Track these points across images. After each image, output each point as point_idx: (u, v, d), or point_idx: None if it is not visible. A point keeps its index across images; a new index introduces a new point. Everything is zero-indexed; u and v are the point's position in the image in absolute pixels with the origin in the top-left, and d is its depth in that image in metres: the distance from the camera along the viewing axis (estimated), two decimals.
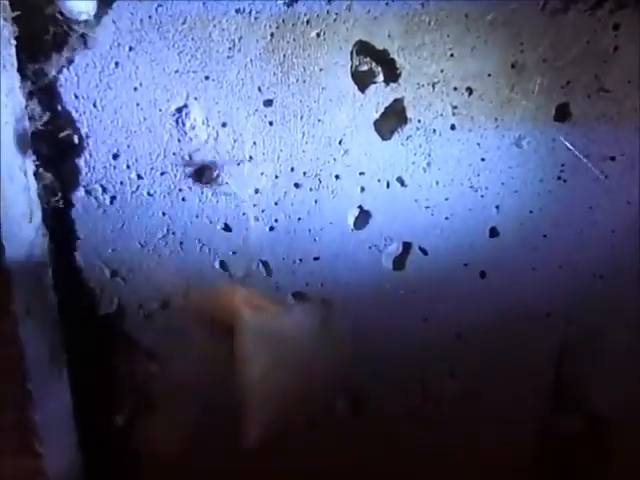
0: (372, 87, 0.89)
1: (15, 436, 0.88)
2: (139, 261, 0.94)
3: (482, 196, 0.96)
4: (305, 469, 1.11)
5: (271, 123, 0.89)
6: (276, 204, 0.93)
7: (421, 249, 0.98)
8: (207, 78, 0.86)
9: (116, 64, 0.84)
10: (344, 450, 1.10)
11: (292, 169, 0.91)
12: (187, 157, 0.88)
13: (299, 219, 0.94)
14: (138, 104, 0.86)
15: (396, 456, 1.12)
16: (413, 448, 1.11)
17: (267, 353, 0.84)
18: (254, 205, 0.92)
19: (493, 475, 1.13)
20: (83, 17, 0.81)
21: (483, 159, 0.94)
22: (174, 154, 0.89)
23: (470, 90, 0.90)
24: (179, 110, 0.87)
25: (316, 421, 1.07)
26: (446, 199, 0.95)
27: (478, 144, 0.93)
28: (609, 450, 1.14)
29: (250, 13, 0.84)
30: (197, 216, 0.92)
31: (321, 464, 1.11)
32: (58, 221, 0.90)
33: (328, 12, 0.85)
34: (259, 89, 0.87)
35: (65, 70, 0.84)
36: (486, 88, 0.90)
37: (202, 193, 0.91)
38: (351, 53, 0.87)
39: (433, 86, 0.89)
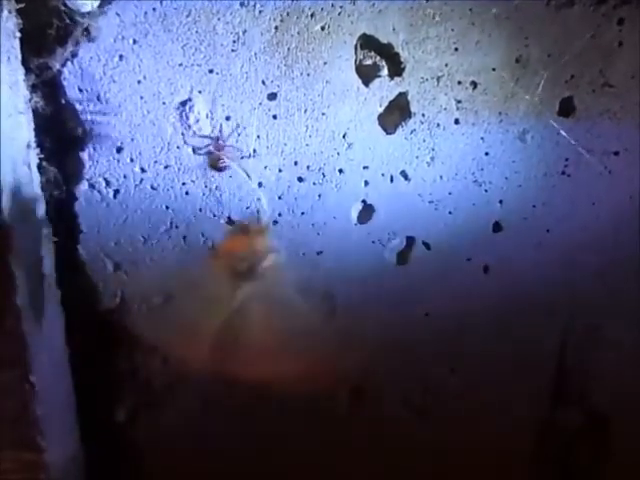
0: (376, 81, 0.89)
1: (17, 429, 0.87)
2: (142, 255, 0.94)
3: (486, 190, 0.96)
4: (303, 466, 1.11)
5: (275, 117, 0.89)
6: (280, 198, 0.93)
7: (424, 243, 0.98)
8: (211, 71, 0.86)
9: (120, 57, 0.84)
10: (343, 445, 1.10)
11: (296, 163, 0.91)
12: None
13: (302, 213, 0.94)
14: (142, 97, 0.86)
15: (396, 451, 1.12)
16: (413, 443, 1.11)
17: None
18: (257, 199, 0.92)
19: (493, 470, 1.13)
20: (87, 10, 0.81)
21: (487, 153, 0.94)
22: (178, 148, 0.89)
23: (474, 84, 0.90)
24: (183, 103, 0.87)
25: (316, 416, 1.07)
26: (450, 193, 0.95)
27: (482, 138, 0.93)
28: (609, 446, 1.14)
29: (254, 6, 0.84)
30: (201, 210, 0.92)
31: (320, 459, 1.11)
32: (61, 214, 0.90)
33: (332, 5, 0.85)
34: (263, 83, 0.87)
35: (69, 63, 0.83)
36: (490, 82, 0.90)
37: (206, 187, 0.91)
38: (355, 47, 0.87)
39: (437, 80, 0.89)
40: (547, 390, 1.11)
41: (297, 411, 1.07)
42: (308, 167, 0.92)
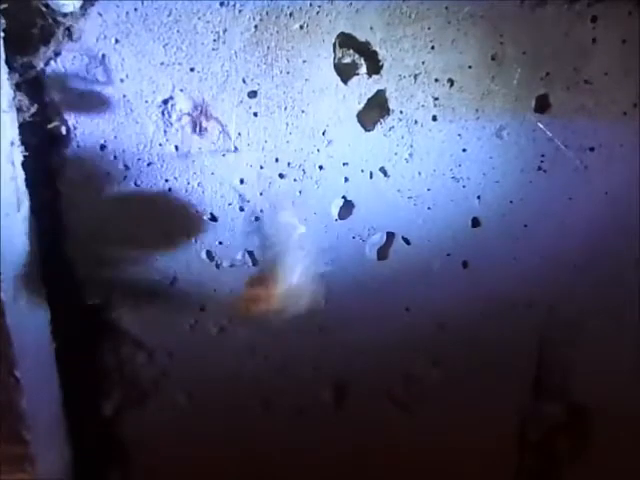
0: (355, 79, 0.90)
1: (2, 423, 0.89)
2: (126, 251, 0.95)
3: (464, 186, 0.97)
4: (290, 460, 1.12)
5: (255, 114, 0.90)
6: (261, 194, 0.94)
7: (404, 239, 0.99)
8: (192, 70, 0.87)
9: (102, 56, 0.85)
10: (327, 440, 1.11)
11: (277, 160, 0.93)
12: None
13: (283, 209, 0.95)
14: (124, 96, 0.87)
15: (379, 446, 1.13)
16: (396, 438, 1.13)
17: None
18: (239, 195, 0.94)
19: (476, 462, 1.15)
20: (69, 10, 0.83)
21: (464, 150, 0.95)
22: (160, 145, 0.90)
23: (451, 82, 0.92)
24: (165, 102, 0.88)
25: (300, 411, 1.08)
26: (428, 189, 0.97)
27: (459, 135, 0.94)
28: (591, 438, 1.16)
29: (234, 6, 0.86)
30: (184, 206, 0.93)
31: (305, 455, 1.12)
32: (46, 211, 0.91)
33: (311, 5, 0.86)
34: (243, 81, 0.89)
35: (52, 62, 0.85)
36: (467, 80, 0.92)
37: (188, 184, 0.92)
38: (334, 45, 0.88)
39: (415, 78, 0.91)
40: (528, 383, 1.12)
41: (282, 409, 1.08)
42: (289, 164, 0.93)
